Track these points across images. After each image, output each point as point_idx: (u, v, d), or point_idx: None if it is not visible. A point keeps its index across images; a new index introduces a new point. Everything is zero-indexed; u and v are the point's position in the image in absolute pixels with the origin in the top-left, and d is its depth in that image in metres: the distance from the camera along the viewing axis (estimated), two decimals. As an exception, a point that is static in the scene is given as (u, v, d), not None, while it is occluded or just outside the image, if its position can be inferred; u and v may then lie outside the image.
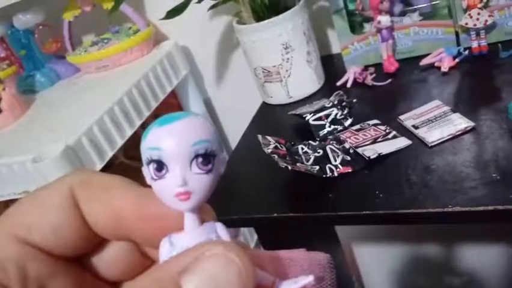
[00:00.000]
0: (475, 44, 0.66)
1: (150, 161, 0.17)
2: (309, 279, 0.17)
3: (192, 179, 0.17)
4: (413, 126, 0.54)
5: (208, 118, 0.91)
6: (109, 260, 0.21)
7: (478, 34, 0.65)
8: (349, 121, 0.60)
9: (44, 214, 0.19)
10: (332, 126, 0.59)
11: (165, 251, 0.18)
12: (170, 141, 0.17)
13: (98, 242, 0.21)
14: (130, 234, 0.20)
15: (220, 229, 0.19)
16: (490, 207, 0.41)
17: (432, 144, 0.51)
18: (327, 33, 0.84)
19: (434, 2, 0.70)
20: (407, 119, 0.56)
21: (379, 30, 0.69)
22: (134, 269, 0.22)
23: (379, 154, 0.51)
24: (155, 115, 0.85)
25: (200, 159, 0.17)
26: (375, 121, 0.58)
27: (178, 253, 0.18)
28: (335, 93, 0.63)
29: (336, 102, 0.61)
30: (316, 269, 0.18)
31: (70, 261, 0.20)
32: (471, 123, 0.51)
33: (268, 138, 0.55)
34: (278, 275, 0.18)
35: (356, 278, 1.08)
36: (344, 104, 0.61)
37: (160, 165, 0.17)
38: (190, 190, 0.17)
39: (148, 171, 0.18)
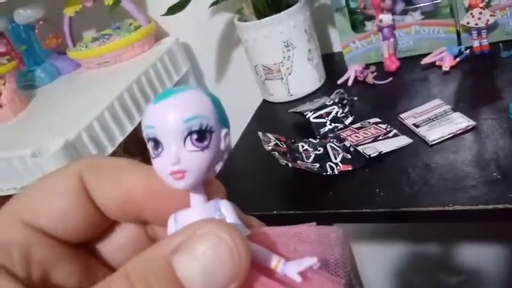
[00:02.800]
0: (476, 44, 0.65)
1: (148, 139, 0.17)
2: (313, 260, 0.16)
3: (186, 156, 0.16)
4: (414, 124, 0.54)
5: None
6: (115, 247, 0.21)
7: (479, 33, 0.65)
8: (350, 119, 0.60)
9: (52, 199, 0.19)
10: (333, 124, 0.59)
11: (171, 228, 0.18)
12: (162, 119, 0.16)
13: (105, 228, 0.21)
14: (141, 212, 0.20)
15: (225, 207, 0.18)
16: (490, 206, 0.41)
17: (433, 142, 0.51)
18: (328, 31, 0.83)
19: (436, 1, 0.70)
20: (408, 118, 0.56)
21: (380, 29, 0.69)
22: None
23: (379, 152, 0.51)
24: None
25: (194, 136, 0.16)
26: (376, 119, 0.58)
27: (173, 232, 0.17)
28: (335, 91, 0.63)
29: (337, 100, 0.61)
30: (326, 245, 0.18)
31: (76, 248, 0.20)
32: (472, 122, 0.51)
33: (269, 135, 0.55)
34: (285, 252, 0.17)
35: (354, 276, 1.09)
36: (344, 102, 0.61)
37: (156, 143, 0.17)
38: (183, 169, 0.17)
39: (148, 148, 0.17)
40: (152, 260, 0.16)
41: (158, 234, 0.21)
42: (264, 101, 0.77)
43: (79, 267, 0.20)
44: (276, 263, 0.17)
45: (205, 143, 0.16)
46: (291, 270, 0.16)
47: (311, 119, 0.59)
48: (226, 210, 0.18)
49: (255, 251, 0.17)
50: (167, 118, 0.16)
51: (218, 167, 0.18)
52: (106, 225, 0.21)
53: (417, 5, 0.70)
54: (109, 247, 0.21)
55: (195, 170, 0.17)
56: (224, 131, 0.17)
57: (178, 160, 0.16)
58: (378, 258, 1.08)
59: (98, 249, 0.21)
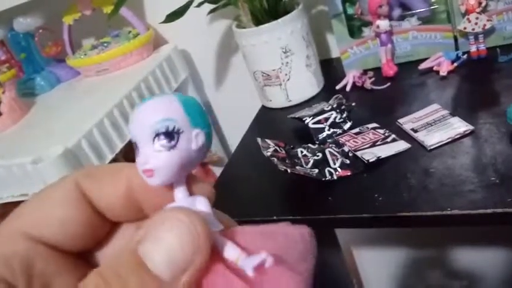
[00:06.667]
0: (473, 48, 0.66)
1: (133, 143, 0.19)
2: (263, 256, 0.17)
3: (153, 156, 0.18)
4: (412, 129, 0.55)
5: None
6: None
7: (476, 38, 0.65)
8: (348, 124, 0.60)
9: (51, 210, 0.20)
10: (331, 130, 0.60)
11: None
12: (136, 123, 0.18)
13: (106, 234, 0.21)
14: (141, 208, 0.21)
15: (201, 202, 0.19)
16: (489, 210, 0.41)
17: (431, 147, 0.51)
18: (326, 37, 0.84)
19: (432, 7, 0.70)
20: (406, 123, 0.56)
21: (378, 35, 0.69)
22: None
23: (378, 157, 0.51)
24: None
25: (162, 137, 0.18)
26: (374, 124, 0.59)
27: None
28: (334, 97, 0.63)
29: (335, 106, 0.61)
30: (291, 242, 0.19)
31: (77, 259, 0.20)
32: (470, 127, 0.51)
33: (268, 141, 0.55)
34: (252, 247, 0.18)
35: (356, 281, 1.08)
36: (343, 107, 0.61)
37: (136, 146, 0.19)
38: (151, 167, 0.18)
39: None
40: (122, 253, 0.17)
41: None
42: (263, 107, 0.77)
43: (79, 278, 0.20)
44: (237, 256, 0.18)
45: (172, 143, 0.18)
46: (247, 264, 0.17)
47: (310, 125, 0.60)
48: (200, 205, 0.19)
49: (222, 245, 0.18)
50: (140, 122, 0.18)
51: (195, 165, 0.19)
52: (107, 231, 0.21)
53: (414, 11, 0.71)
54: (109, 257, 0.21)
55: (162, 169, 0.18)
56: (195, 132, 0.18)
57: (147, 160, 0.18)
58: (379, 264, 1.08)
59: (98, 260, 0.21)
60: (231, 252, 0.18)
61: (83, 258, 0.21)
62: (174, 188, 0.19)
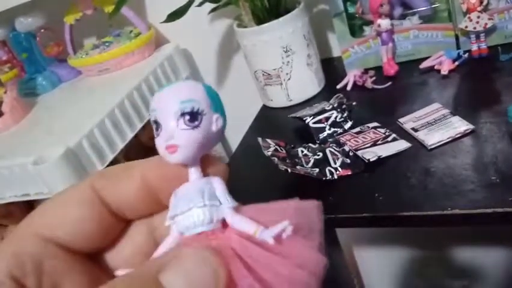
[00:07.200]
0: (474, 47, 0.66)
1: (152, 122, 0.20)
2: (285, 224, 0.18)
3: (179, 133, 0.19)
4: (413, 129, 0.54)
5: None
6: (123, 259, 0.22)
7: (477, 37, 0.65)
8: (349, 124, 0.60)
9: (65, 211, 0.20)
10: (332, 129, 0.60)
11: (172, 202, 0.20)
12: (162, 102, 0.19)
13: (117, 233, 0.22)
14: (158, 198, 0.21)
15: (216, 182, 0.20)
16: (489, 210, 0.41)
17: (432, 147, 0.51)
18: (327, 36, 0.84)
19: (434, 5, 0.70)
20: (407, 122, 0.56)
21: (379, 34, 0.69)
22: None
23: (379, 157, 0.51)
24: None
25: (187, 117, 0.19)
26: (375, 124, 0.59)
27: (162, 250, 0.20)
28: (335, 96, 0.63)
29: (336, 105, 0.61)
30: (303, 215, 0.20)
31: (87, 260, 0.21)
32: (470, 126, 0.51)
33: (268, 141, 0.55)
34: (266, 222, 0.19)
35: (357, 281, 1.08)
36: (343, 106, 0.61)
37: (157, 124, 0.19)
38: (176, 143, 0.19)
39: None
40: (142, 276, 0.17)
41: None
42: (264, 106, 0.77)
43: (89, 279, 0.20)
44: (255, 229, 0.19)
45: (196, 123, 0.19)
46: (267, 235, 0.18)
47: (310, 124, 0.60)
48: (217, 185, 0.20)
49: (239, 220, 0.19)
50: (165, 102, 0.19)
51: (212, 147, 0.21)
52: (118, 231, 0.22)
53: (415, 10, 0.71)
54: (118, 259, 0.22)
55: (185, 146, 0.19)
56: (216, 116, 0.20)
57: (172, 136, 0.19)
58: (380, 263, 1.08)
59: (107, 261, 0.22)
60: (248, 226, 0.19)
61: (92, 258, 0.21)
62: (189, 168, 0.20)
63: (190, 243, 0.19)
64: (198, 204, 0.19)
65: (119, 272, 0.20)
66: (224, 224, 0.20)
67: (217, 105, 0.20)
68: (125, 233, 0.22)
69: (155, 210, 0.22)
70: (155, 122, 0.19)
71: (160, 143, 0.19)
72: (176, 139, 0.19)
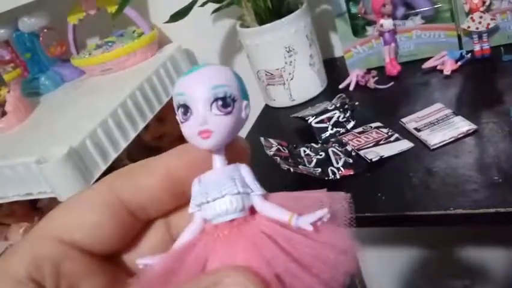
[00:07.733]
0: (477, 47, 0.66)
1: (178, 106, 0.19)
2: (324, 211, 0.18)
3: (212, 119, 0.18)
4: (415, 129, 0.55)
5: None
6: (143, 256, 0.21)
7: (480, 37, 0.65)
8: (351, 124, 0.60)
9: (83, 214, 0.20)
10: (334, 129, 0.60)
11: (194, 188, 0.20)
12: (192, 86, 0.19)
13: (135, 234, 0.22)
14: (183, 187, 0.21)
15: (244, 170, 0.20)
16: (492, 210, 0.41)
17: (434, 147, 0.51)
18: (329, 36, 0.84)
19: (436, 6, 0.70)
20: (409, 122, 0.56)
21: (381, 34, 0.69)
22: None
23: (381, 157, 0.51)
24: (159, 118, 0.85)
25: (220, 102, 0.18)
26: (378, 124, 0.59)
27: (203, 274, 0.18)
28: (337, 96, 0.63)
29: (338, 105, 0.61)
30: (335, 203, 0.19)
31: (104, 261, 0.21)
32: (473, 126, 0.51)
33: (271, 140, 0.55)
34: (298, 209, 0.19)
35: (359, 280, 1.08)
36: (346, 106, 0.61)
37: (185, 109, 0.19)
38: (210, 129, 0.19)
39: (178, 115, 0.19)
40: None
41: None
42: (266, 106, 0.78)
43: (106, 281, 0.20)
44: (289, 217, 0.18)
45: (229, 109, 0.19)
46: (304, 221, 0.18)
47: (313, 124, 0.60)
48: (245, 172, 0.20)
49: (270, 207, 0.19)
50: (197, 86, 0.19)
51: (237, 134, 0.20)
52: (136, 232, 0.22)
53: (418, 10, 0.71)
54: (135, 259, 0.22)
55: (219, 131, 0.19)
56: (245, 103, 0.19)
57: (206, 121, 0.18)
58: (382, 263, 1.08)
59: (124, 261, 0.22)
60: (280, 213, 0.19)
61: (109, 259, 0.21)
62: (214, 155, 0.20)
63: (221, 231, 0.19)
64: (232, 191, 0.19)
65: (139, 261, 0.20)
66: (252, 210, 0.19)
67: (245, 92, 0.20)
68: (142, 233, 0.22)
69: (179, 203, 0.21)
70: (184, 105, 0.19)
71: (190, 128, 0.19)
72: (210, 124, 0.19)
